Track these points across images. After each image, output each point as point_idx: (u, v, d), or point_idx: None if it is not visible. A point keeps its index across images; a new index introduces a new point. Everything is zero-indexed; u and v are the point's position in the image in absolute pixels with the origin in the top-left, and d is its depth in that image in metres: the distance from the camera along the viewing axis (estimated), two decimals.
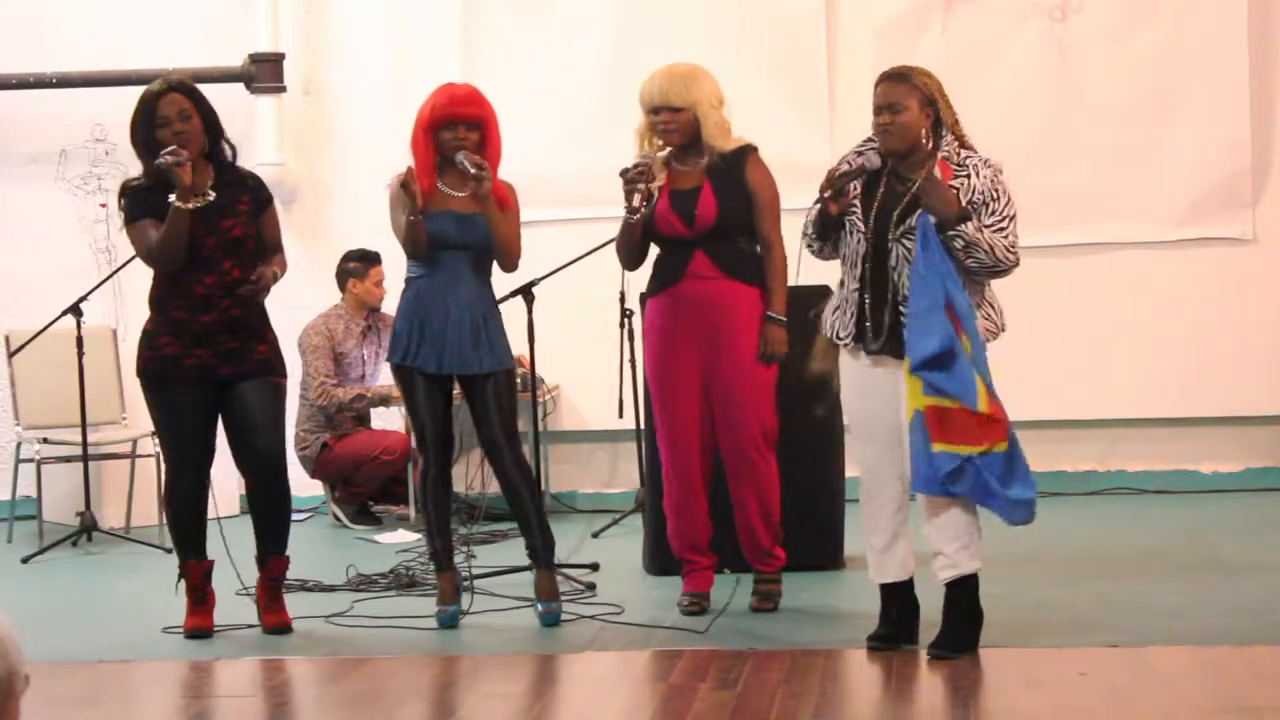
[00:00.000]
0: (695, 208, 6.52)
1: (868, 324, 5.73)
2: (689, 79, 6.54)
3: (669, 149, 6.51)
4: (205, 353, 6.37)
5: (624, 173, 6.45)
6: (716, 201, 6.51)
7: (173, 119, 6.32)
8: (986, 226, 5.64)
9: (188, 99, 6.37)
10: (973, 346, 5.57)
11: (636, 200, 6.41)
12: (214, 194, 6.36)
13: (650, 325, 6.73)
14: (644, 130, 6.61)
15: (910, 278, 5.62)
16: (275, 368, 6.52)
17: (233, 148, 6.52)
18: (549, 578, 6.56)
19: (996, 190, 5.68)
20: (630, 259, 6.72)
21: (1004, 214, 5.67)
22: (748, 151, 6.59)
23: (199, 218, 6.31)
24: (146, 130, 6.34)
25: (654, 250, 6.72)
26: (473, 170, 6.36)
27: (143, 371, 6.48)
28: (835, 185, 5.73)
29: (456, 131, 6.45)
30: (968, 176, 5.68)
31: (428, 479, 6.54)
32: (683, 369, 6.60)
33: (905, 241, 5.66)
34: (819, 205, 5.77)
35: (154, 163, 6.25)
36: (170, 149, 6.23)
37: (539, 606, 6.52)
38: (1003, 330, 5.79)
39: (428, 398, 6.50)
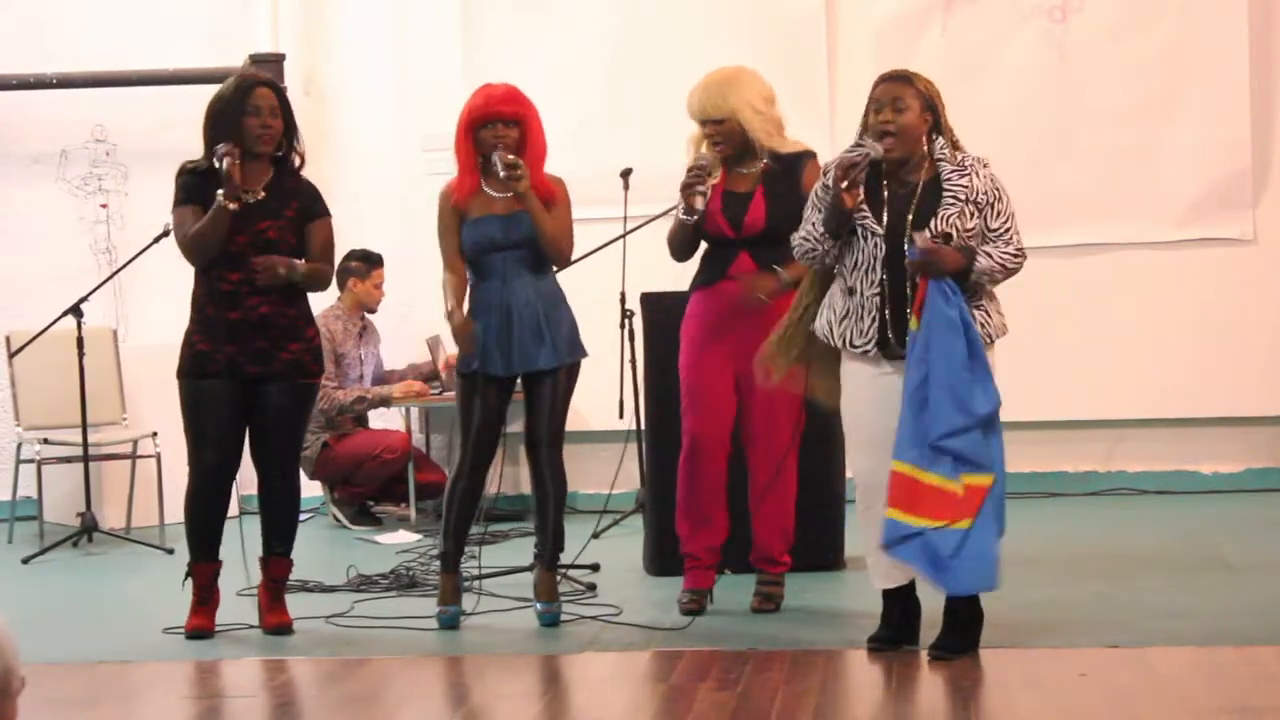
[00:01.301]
0: (745, 214, 6.53)
1: (890, 330, 5.71)
2: (726, 87, 6.52)
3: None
4: (233, 349, 6.37)
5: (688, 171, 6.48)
6: (766, 210, 6.51)
7: (264, 111, 6.37)
8: (993, 231, 5.67)
9: (276, 98, 6.43)
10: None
11: (699, 203, 6.43)
12: (264, 194, 6.39)
13: (690, 317, 6.71)
14: (697, 139, 6.63)
15: (941, 347, 5.54)
16: (307, 368, 6.50)
17: (302, 157, 6.54)
18: (550, 579, 6.57)
19: (998, 189, 5.72)
20: (681, 253, 6.70)
21: (1007, 214, 5.72)
22: (806, 157, 6.57)
23: (238, 215, 6.32)
24: (235, 114, 6.35)
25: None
26: (503, 172, 6.36)
27: (179, 370, 6.47)
28: (849, 176, 5.71)
29: (495, 130, 6.45)
30: (970, 177, 5.70)
31: (459, 482, 6.52)
32: (715, 365, 6.60)
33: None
34: (832, 200, 5.74)
35: (213, 152, 6.28)
36: (226, 145, 6.25)
37: (538, 606, 6.53)
38: (1002, 333, 5.77)
39: (485, 402, 6.47)
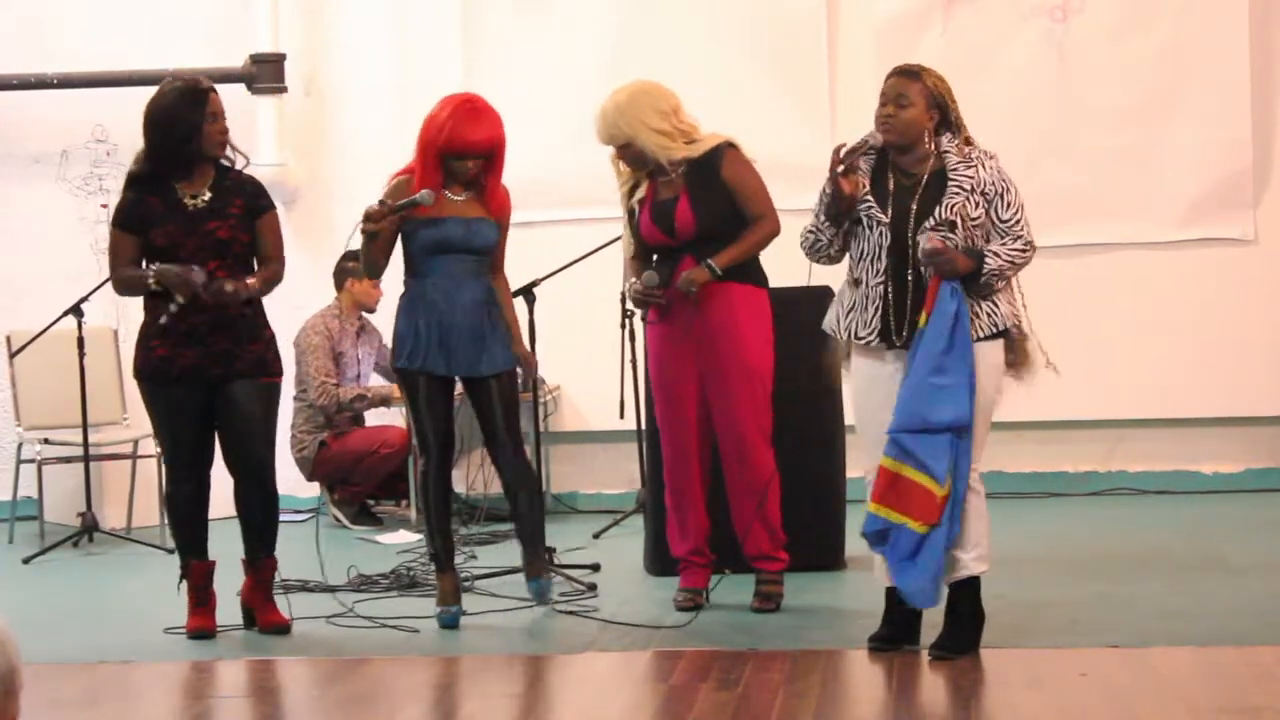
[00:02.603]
0: (674, 219, 6.56)
1: (891, 319, 5.72)
2: (620, 113, 6.56)
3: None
4: (195, 353, 6.37)
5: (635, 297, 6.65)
6: (693, 212, 6.55)
7: (219, 116, 6.39)
8: (1004, 222, 5.69)
9: (220, 101, 6.43)
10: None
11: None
12: (209, 194, 6.39)
13: (650, 327, 6.77)
14: (615, 157, 6.71)
15: (929, 341, 5.60)
16: (269, 367, 6.50)
17: (245, 157, 6.54)
18: (536, 555, 6.64)
19: (1004, 181, 5.74)
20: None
21: (1016, 205, 5.74)
22: (722, 150, 6.59)
23: (183, 222, 6.33)
24: (195, 120, 6.34)
25: None
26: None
27: (137, 373, 6.50)
28: (845, 161, 5.74)
29: (464, 162, 6.47)
30: (976, 168, 5.71)
31: (428, 480, 6.56)
32: (679, 370, 6.64)
33: (936, 234, 5.67)
34: (831, 186, 5.77)
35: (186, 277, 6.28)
36: (200, 278, 6.26)
37: (530, 585, 6.58)
38: (1011, 321, 5.75)
39: (430, 399, 6.51)
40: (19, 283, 9.87)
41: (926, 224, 5.67)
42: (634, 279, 6.68)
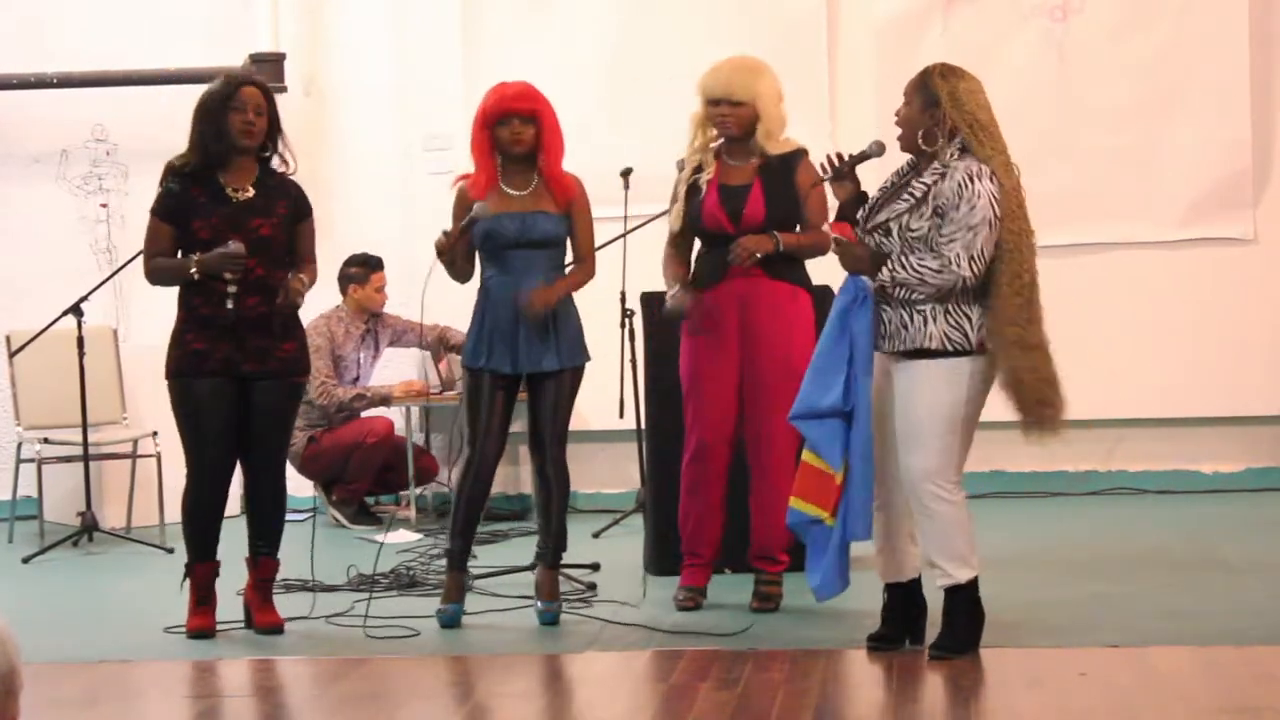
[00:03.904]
0: (744, 206, 6.54)
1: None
2: (754, 73, 6.57)
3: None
4: (230, 347, 6.38)
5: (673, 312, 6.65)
6: (765, 202, 6.54)
7: (249, 108, 6.40)
8: (942, 237, 5.57)
9: (263, 98, 6.46)
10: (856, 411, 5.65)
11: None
12: (252, 191, 6.42)
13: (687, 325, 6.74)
14: (700, 120, 6.64)
15: (825, 332, 5.69)
16: (300, 366, 6.55)
17: (294, 159, 6.57)
18: (552, 577, 6.59)
19: (959, 197, 5.54)
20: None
21: (961, 223, 5.54)
22: (801, 156, 6.61)
23: (227, 215, 6.35)
24: (221, 110, 6.38)
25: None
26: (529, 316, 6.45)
27: (172, 372, 6.46)
28: (836, 170, 5.75)
29: (511, 126, 6.45)
30: (940, 179, 5.60)
31: (468, 476, 6.53)
32: (719, 365, 6.61)
33: (875, 235, 5.67)
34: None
35: (225, 251, 6.30)
36: (238, 249, 6.28)
37: (539, 605, 6.54)
38: (975, 347, 5.67)
39: (492, 399, 6.50)
40: (19, 282, 9.87)
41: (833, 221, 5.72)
42: (672, 289, 6.63)
